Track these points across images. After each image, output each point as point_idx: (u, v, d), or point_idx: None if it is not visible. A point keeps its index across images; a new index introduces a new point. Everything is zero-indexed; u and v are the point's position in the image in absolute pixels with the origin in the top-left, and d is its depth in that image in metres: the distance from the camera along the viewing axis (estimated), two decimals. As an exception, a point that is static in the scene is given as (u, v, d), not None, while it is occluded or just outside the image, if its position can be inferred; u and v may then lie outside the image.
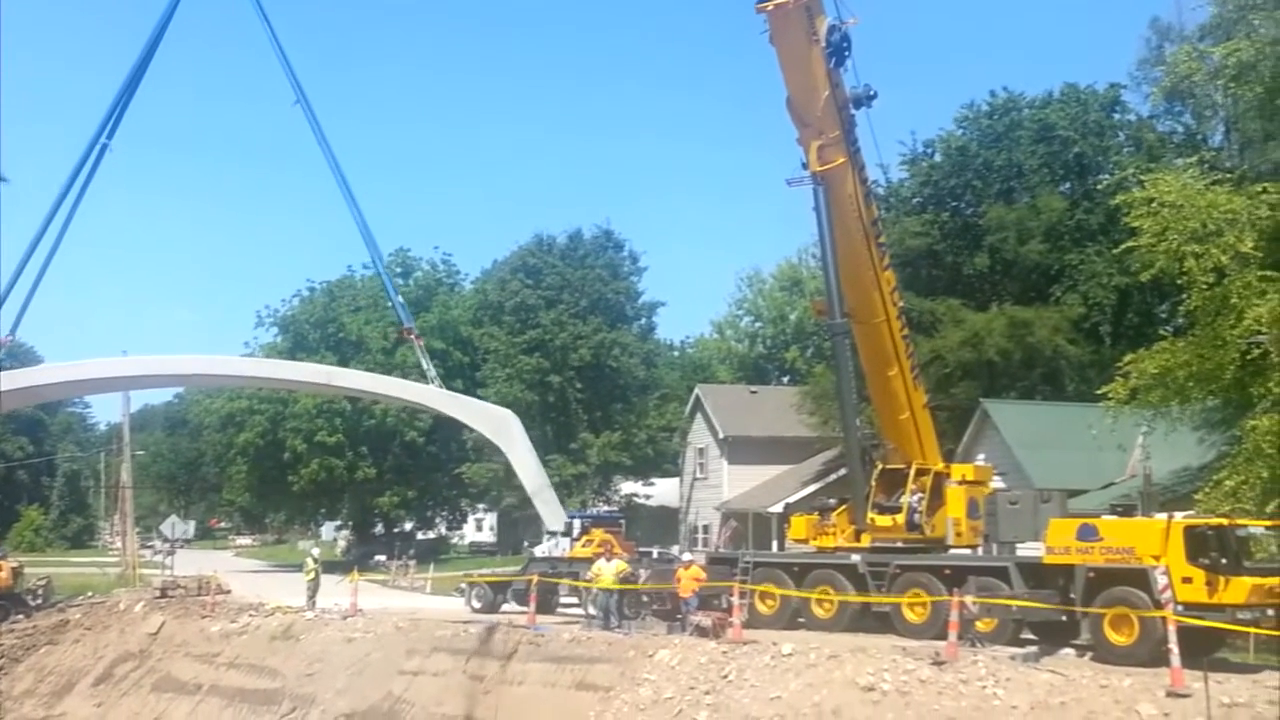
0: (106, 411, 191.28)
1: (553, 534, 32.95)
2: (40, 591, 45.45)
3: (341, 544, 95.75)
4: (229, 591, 43.46)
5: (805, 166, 30.53)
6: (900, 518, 30.33)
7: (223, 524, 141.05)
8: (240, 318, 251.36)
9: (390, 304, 45.92)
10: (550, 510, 29.71)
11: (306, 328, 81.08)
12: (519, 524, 74.41)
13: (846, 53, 29.42)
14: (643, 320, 76.10)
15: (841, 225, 30.42)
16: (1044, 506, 29.29)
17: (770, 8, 28.13)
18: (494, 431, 30.60)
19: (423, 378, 41.58)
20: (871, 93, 30.32)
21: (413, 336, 42.43)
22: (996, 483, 39.03)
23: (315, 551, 43.54)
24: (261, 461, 79.91)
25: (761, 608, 30.44)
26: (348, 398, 71.40)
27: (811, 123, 29.72)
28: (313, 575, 39.00)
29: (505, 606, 37.08)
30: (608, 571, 31.20)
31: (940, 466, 31.64)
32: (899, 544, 30.25)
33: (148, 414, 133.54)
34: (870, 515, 30.73)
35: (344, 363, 76.87)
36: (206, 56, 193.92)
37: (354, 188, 33.78)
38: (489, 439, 30.99)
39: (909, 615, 27.74)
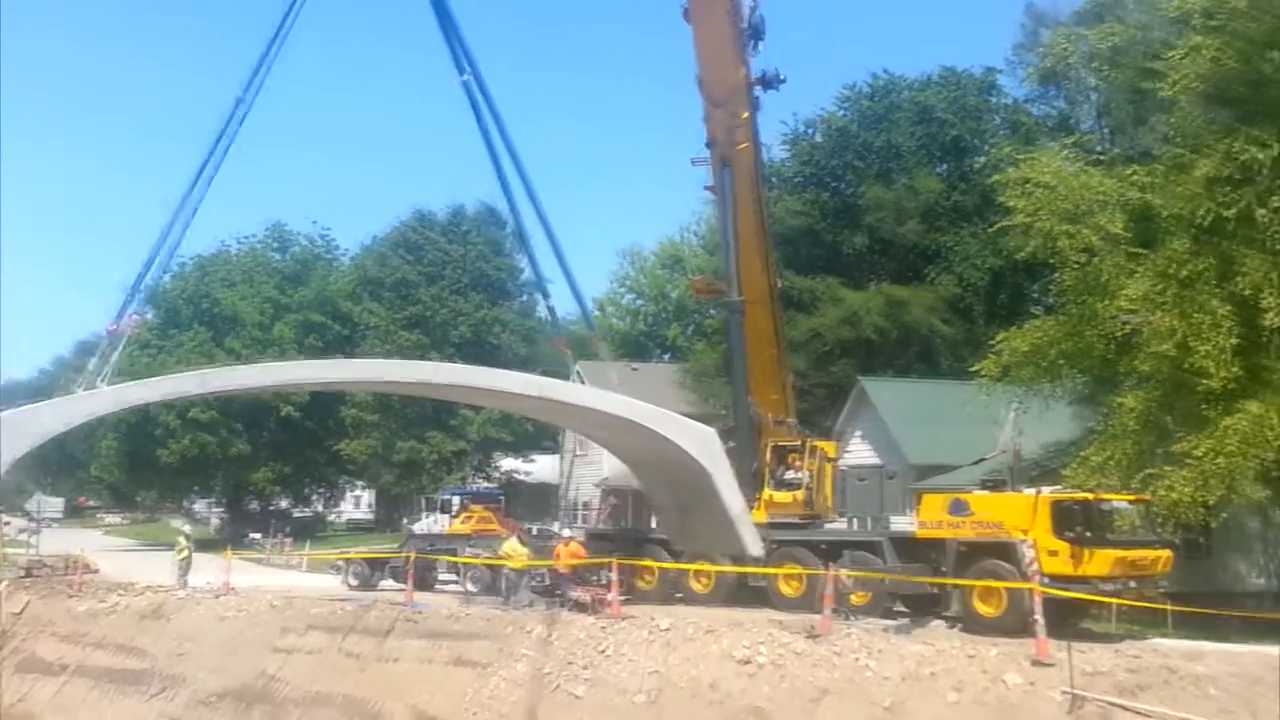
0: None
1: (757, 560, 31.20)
2: (-104, 572, 43.86)
3: (215, 521, 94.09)
4: (97, 570, 42.23)
5: (709, 145, 30.52)
6: (800, 494, 30.56)
7: (91, 502, 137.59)
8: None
9: (575, 315, 40.85)
10: (750, 535, 28.50)
11: (180, 303, 79.20)
12: (397, 501, 73.79)
13: (763, 34, 29.50)
14: (524, 297, 75.78)
15: (742, 206, 30.54)
16: (889, 483, 29.83)
17: None
18: (699, 451, 28.40)
19: None
20: (782, 77, 30.42)
21: (602, 343, 38.84)
22: (872, 458, 39.75)
23: (187, 529, 42.68)
24: (131, 437, 77.98)
25: (640, 583, 30.55)
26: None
27: (722, 103, 29.70)
28: (185, 553, 38.19)
29: (383, 584, 36.72)
30: (521, 552, 30.88)
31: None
32: (796, 519, 30.42)
33: (12, 388, 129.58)
34: (769, 491, 30.88)
35: (218, 339, 75.56)
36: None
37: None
38: (695, 459, 28.32)
39: (784, 589, 28.01)
